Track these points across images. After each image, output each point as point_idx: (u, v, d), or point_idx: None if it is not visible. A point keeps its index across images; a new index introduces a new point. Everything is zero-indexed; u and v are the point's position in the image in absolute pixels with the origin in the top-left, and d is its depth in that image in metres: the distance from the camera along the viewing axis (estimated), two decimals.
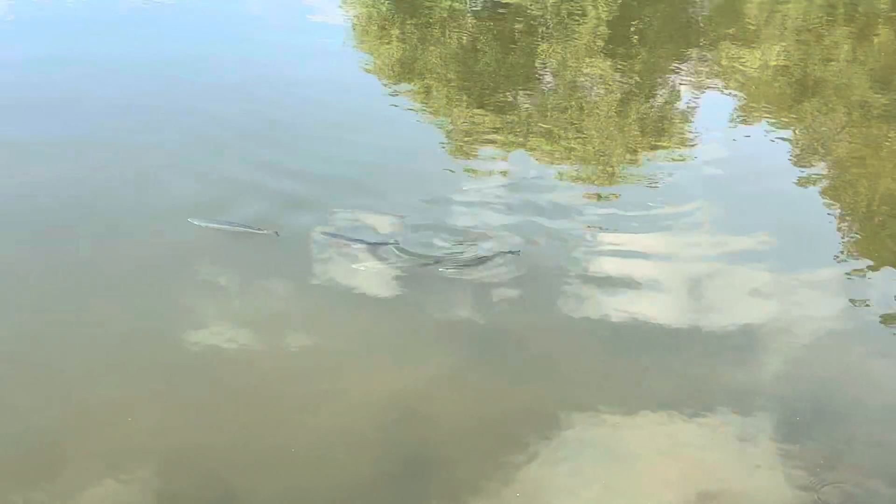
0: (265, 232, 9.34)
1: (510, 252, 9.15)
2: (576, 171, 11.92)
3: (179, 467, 6.70)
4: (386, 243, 9.39)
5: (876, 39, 18.14)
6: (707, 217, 10.68)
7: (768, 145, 13.10)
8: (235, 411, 7.26)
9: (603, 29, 18.02)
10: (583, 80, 15.42)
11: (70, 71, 13.72)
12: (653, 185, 11.56)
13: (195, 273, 8.86)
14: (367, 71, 15.37)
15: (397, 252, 9.26)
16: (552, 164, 12.04)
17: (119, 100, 12.78)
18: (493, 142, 12.62)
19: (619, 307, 8.85)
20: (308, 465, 6.81)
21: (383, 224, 9.84)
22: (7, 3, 17.44)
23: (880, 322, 8.92)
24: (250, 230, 9.31)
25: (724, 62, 16.93)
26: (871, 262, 9.92)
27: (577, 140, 12.85)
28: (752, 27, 18.94)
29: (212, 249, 9.25)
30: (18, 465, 6.62)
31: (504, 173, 11.61)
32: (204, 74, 14.15)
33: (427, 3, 19.08)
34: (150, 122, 12.09)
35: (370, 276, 8.87)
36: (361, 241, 9.36)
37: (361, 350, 8.05)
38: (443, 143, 12.60)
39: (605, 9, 19.20)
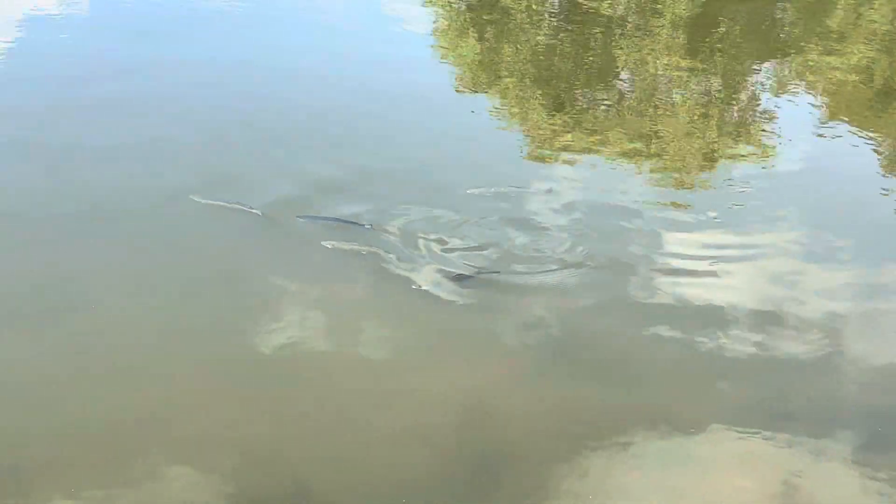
0: (366, 226, 9.62)
1: (492, 272, 8.96)
2: (651, 173, 11.80)
3: (253, 460, 6.79)
4: (360, 224, 9.58)
5: None
6: (785, 222, 10.51)
7: (851, 152, 12.82)
8: (308, 407, 7.35)
9: (682, 29, 17.79)
10: (661, 81, 15.26)
11: (153, 72, 13.97)
12: (729, 189, 11.40)
13: (271, 270, 8.96)
14: (444, 70, 15.41)
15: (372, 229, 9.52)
16: (627, 165, 11.95)
17: (209, 102, 12.96)
18: (567, 143, 12.56)
19: (693, 312, 8.75)
20: (379, 462, 6.87)
21: (448, 223, 9.86)
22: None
23: None
24: (353, 223, 9.59)
25: (807, 65, 16.59)
26: None
27: (654, 142, 12.73)
28: (837, 31, 18.53)
29: (286, 247, 9.35)
30: (98, 452, 6.78)
31: (577, 175, 11.54)
32: (288, 64, 14.33)
33: (505, 4, 19.06)
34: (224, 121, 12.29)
35: (423, 279, 8.87)
36: (337, 220, 9.64)
37: (433, 349, 8.09)
38: (517, 144, 12.59)
39: (686, 8, 18.96)
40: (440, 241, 9.51)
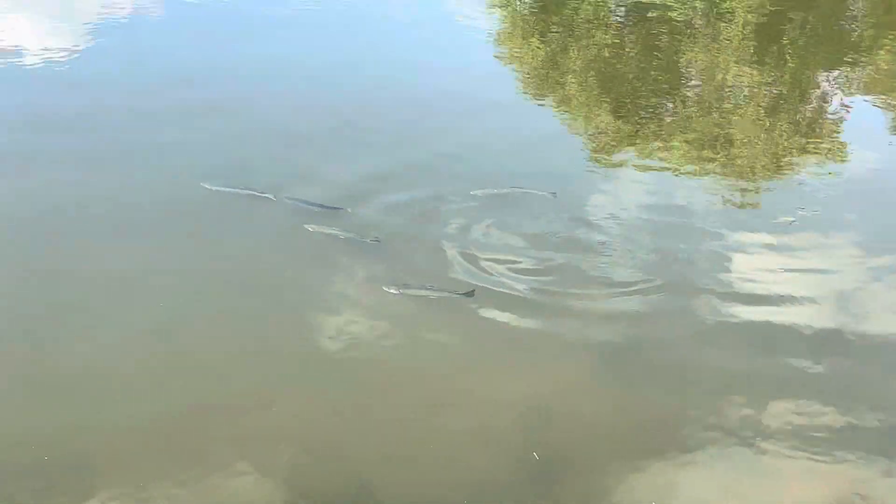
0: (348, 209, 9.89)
1: (464, 294, 8.73)
2: (717, 179, 11.68)
3: (316, 457, 6.88)
4: (337, 208, 9.87)
5: None
6: (854, 229, 10.32)
7: None
8: (372, 406, 7.42)
9: (752, 33, 17.57)
10: (729, 85, 15.09)
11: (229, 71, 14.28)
12: (797, 195, 11.23)
13: (337, 270, 9.06)
14: (508, 74, 15.44)
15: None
16: (693, 171, 11.84)
17: (285, 103, 13.17)
18: (632, 147, 12.51)
19: (757, 318, 8.67)
20: (442, 462, 6.92)
21: (508, 233, 9.89)
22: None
23: None
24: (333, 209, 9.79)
25: (879, 70, 16.26)
26: None
27: (720, 148, 12.60)
28: None
29: (352, 248, 9.44)
30: (165, 446, 6.91)
31: (642, 180, 11.48)
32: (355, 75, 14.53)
33: (571, 7, 19.02)
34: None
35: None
36: (318, 206, 9.90)
37: (498, 352, 8.11)
38: (581, 148, 12.56)
39: (756, 12, 18.72)
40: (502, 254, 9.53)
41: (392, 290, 8.62)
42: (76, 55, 14.41)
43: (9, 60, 13.96)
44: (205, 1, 18.29)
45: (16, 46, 14.59)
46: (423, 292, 8.67)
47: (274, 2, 18.46)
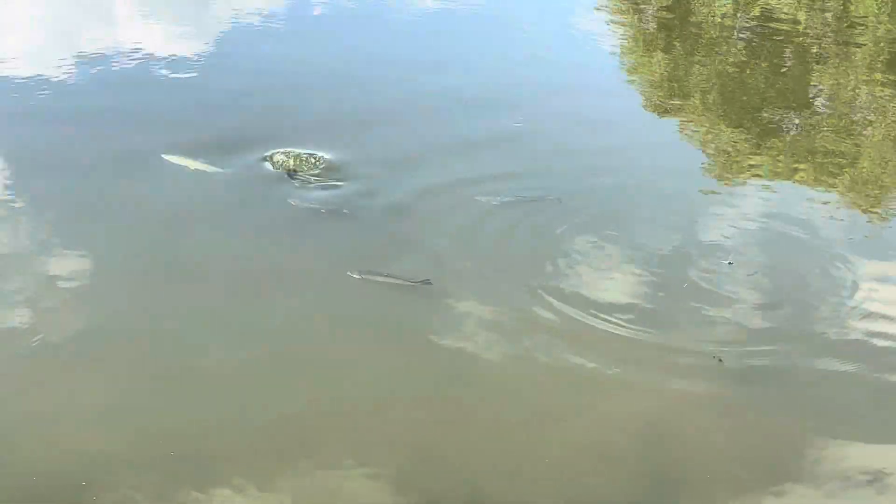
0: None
1: (421, 282, 8.75)
2: (843, 200, 11.32)
3: (428, 466, 6.92)
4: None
5: None
6: None
7: None
8: (484, 416, 7.43)
9: (885, 48, 16.93)
10: (859, 102, 14.59)
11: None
12: None
13: (448, 274, 9.13)
14: (631, 86, 15.31)
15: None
16: (817, 191, 11.50)
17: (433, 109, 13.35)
18: (754, 165, 12.23)
19: (884, 341, 8.39)
20: (553, 476, 6.87)
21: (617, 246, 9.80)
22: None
23: None
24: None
25: None
26: None
27: (847, 167, 12.20)
28: None
29: (464, 251, 9.52)
30: (281, 444, 7.04)
31: (764, 198, 11.21)
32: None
33: (696, 21, 18.73)
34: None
35: None
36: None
37: (616, 367, 8.01)
38: (702, 164, 12.35)
39: (891, 26, 18.03)
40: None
41: (354, 275, 8.82)
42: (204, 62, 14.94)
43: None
44: (342, 8, 18.71)
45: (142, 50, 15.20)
46: (380, 279, 8.81)
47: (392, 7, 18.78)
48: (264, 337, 8.17)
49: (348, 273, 8.86)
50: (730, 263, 8.98)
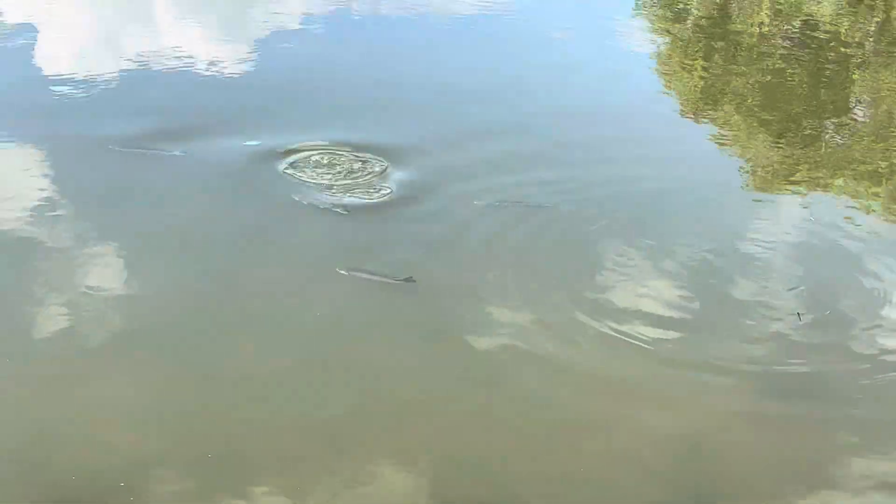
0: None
1: (404, 280, 8.88)
2: (884, 211, 11.18)
3: (461, 471, 6.92)
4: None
5: None
6: None
7: None
8: (521, 423, 7.42)
9: None
10: None
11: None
12: None
13: (494, 280, 9.13)
14: (666, 95, 15.24)
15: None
16: (859, 205, 11.35)
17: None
18: (793, 175, 12.11)
19: None
20: (592, 486, 6.85)
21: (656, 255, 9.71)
22: None
23: None
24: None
25: None
26: None
27: (888, 178, 12.04)
28: None
29: (506, 257, 9.51)
30: (321, 445, 7.09)
31: (803, 213, 11.09)
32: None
33: (734, 30, 18.61)
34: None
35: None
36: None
37: (653, 379, 7.96)
38: (740, 173, 12.26)
39: None
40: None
41: (343, 271, 8.99)
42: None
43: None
44: (383, 17, 18.82)
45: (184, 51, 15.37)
46: (365, 276, 8.94)
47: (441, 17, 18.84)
48: (301, 340, 8.22)
49: (337, 269, 9.01)
50: (799, 316, 8.90)
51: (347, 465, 6.91)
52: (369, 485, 6.76)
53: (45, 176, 10.74)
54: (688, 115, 14.38)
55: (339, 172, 11.00)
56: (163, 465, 6.81)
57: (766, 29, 18.52)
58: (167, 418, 7.25)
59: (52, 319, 8.21)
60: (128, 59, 14.87)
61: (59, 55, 14.88)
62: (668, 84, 15.80)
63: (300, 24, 17.73)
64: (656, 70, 16.53)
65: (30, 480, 6.60)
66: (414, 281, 8.93)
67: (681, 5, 20.67)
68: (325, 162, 11.20)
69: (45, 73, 14.10)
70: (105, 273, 8.93)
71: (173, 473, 6.75)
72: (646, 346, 8.30)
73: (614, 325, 8.52)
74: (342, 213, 10.11)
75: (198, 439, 7.04)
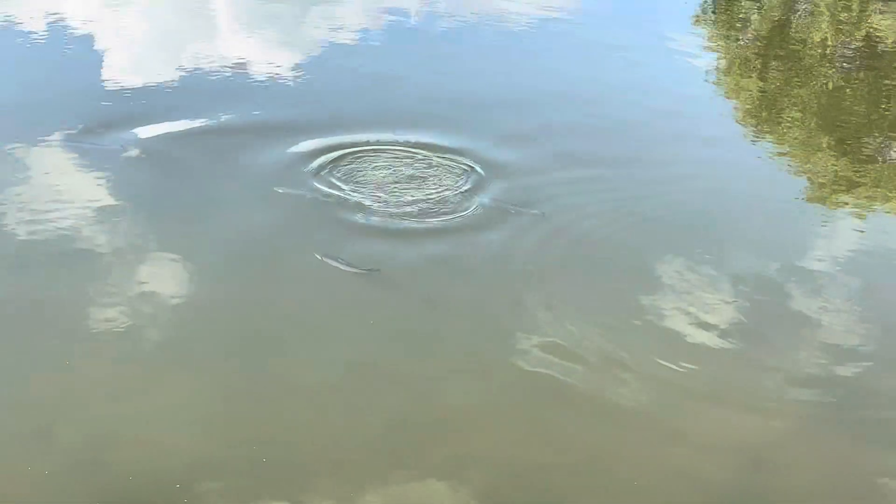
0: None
1: (368, 270, 9.19)
2: None
3: (517, 482, 6.91)
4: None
5: None
6: None
7: None
8: (578, 435, 7.39)
9: None
10: None
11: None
12: None
13: (545, 291, 9.12)
14: (726, 111, 15.12)
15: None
16: None
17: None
18: (852, 195, 11.94)
19: None
20: (649, 502, 6.86)
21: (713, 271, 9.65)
22: None
23: None
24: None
25: None
26: None
27: None
28: None
29: (555, 268, 9.53)
30: (363, 456, 7.11)
31: (861, 232, 10.94)
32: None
33: (795, 47, 18.39)
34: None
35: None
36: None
37: (710, 393, 7.89)
38: (796, 192, 12.12)
39: None
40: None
41: (318, 256, 9.37)
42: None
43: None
44: (436, 26, 18.92)
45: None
46: (334, 263, 9.25)
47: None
48: (358, 350, 8.27)
49: (315, 254, 9.33)
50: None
51: (401, 474, 6.94)
52: (423, 494, 6.80)
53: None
54: (745, 129, 14.24)
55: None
56: (218, 468, 6.90)
57: (827, 43, 18.27)
58: (223, 422, 7.35)
59: (109, 323, 8.36)
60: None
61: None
62: (727, 99, 15.66)
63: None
64: (715, 85, 16.40)
65: (90, 480, 6.74)
66: (378, 271, 9.19)
67: (742, 16, 20.51)
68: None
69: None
70: (171, 281, 9.05)
71: (228, 476, 6.84)
72: (703, 358, 8.25)
73: (672, 337, 8.48)
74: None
75: (253, 444, 7.12)
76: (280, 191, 10.67)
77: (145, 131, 12.08)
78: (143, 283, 8.96)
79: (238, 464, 6.96)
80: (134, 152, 11.51)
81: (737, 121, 14.61)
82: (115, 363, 7.92)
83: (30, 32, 16.41)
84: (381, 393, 7.76)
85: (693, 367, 8.13)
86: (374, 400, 7.66)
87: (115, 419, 7.30)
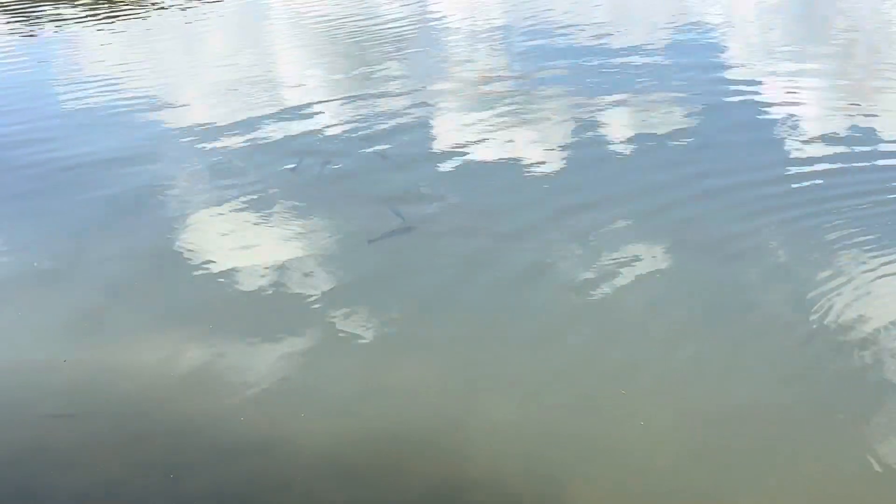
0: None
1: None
2: None
3: None
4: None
5: None
6: None
7: None
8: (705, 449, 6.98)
9: None
10: None
11: None
12: None
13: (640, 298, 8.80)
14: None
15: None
16: None
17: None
18: None
19: None
20: None
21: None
22: None
23: None
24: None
25: None
26: None
27: None
28: None
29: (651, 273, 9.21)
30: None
31: None
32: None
33: None
34: None
35: None
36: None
37: (819, 401, 7.44)
38: None
39: None
40: None
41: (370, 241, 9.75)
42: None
43: None
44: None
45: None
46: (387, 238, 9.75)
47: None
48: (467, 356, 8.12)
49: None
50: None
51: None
52: None
53: None
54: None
55: None
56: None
57: None
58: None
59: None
60: None
61: None
62: None
63: None
64: None
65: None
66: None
67: None
68: None
69: None
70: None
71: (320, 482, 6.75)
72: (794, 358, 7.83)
73: (777, 342, 8.03)
74: None
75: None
76: None
77: None
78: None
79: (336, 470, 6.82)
80: None
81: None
82: None
83: None
84: (490, 400, 7.58)
85: (807, 375, 7.66)
86: (487, 408, 7.52)
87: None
